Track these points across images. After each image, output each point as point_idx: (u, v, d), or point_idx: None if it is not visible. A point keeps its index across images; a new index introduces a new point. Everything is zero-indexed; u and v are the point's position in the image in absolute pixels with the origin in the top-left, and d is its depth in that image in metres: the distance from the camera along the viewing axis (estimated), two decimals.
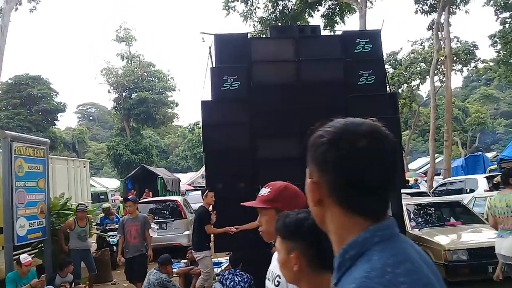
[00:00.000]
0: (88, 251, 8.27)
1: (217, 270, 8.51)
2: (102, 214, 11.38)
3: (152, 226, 8.45)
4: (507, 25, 21.67)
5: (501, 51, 23.55)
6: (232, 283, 6.04)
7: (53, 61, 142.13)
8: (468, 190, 13.01)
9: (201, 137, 7.91)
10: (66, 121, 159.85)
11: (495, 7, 21.56)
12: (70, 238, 7.94)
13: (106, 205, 12.05)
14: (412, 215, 8.39)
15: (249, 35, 8.66)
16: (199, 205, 8.96)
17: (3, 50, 17.43)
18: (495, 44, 23.64)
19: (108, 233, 10.24)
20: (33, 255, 7.37)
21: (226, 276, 6.21)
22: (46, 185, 7.73)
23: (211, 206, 6.95)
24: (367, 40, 8.01)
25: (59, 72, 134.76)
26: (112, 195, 33.15)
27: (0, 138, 6.83)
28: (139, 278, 6.98)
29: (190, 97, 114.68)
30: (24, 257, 6.48)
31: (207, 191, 6.82)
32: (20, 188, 6.97)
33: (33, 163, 7.42)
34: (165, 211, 11.97)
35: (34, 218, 7.28)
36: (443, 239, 7.12)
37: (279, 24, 19.38)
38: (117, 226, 9.13)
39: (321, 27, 13.14)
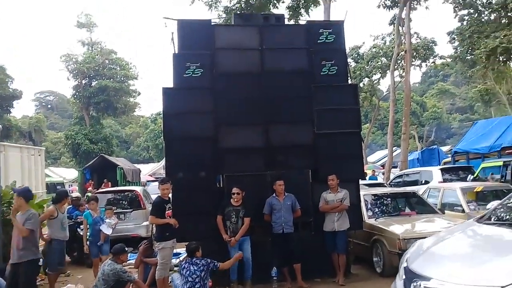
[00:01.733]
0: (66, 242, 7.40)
1: (175, 260, 8.41)
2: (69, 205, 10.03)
3: (108, 221, 7.85)
4: (465, 22, 22.33)
5: (458, 48, 24.28)
6: (188, 272, 6.00)
7: (10, 46, 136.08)
8: (423, 182, 13.42)
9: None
10: (23, 109, 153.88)
11: (454, 4, 22.17)
12: (50, 227, 7.18)
13: (75, 194, 10.92)
14: (369, 205, 8.56)
15: (213, 22, 8.51)
16: None
17: None
18: (453, 41, 24.36)
19: (81, 226, 8.93)
20: None
21: (183, 266, 6.16)
22: None
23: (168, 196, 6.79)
24: (331, 30, 8.06)
25: (16, 58, 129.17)
26: (69, 185, 32.23)
27: None
28: None
29: (152, 87, 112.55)
30: None
31: (160, 183, 6.76)
32: None
33: None
34: (124, 202, 11.65)
35: None
36: (398, 228, 7.29)
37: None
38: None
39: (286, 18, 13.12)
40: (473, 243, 3.99)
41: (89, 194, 15.90)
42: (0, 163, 7.65)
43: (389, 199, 9.15)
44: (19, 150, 12.35)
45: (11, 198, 8.03)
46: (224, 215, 6.94)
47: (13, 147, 12.88)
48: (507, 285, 2.78)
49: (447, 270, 3.33)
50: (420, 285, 3.30)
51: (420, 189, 11.07)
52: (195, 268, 6.01)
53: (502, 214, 4.36)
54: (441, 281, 3.13)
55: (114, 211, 9.53)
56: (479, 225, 4.23)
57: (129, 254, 7.36)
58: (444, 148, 30.88)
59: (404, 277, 3.74)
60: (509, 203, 4.62)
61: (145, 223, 10.95)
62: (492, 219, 4.26)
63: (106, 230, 7.71)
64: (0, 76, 41.87)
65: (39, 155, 13.33)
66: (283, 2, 20.64)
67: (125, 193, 12.08)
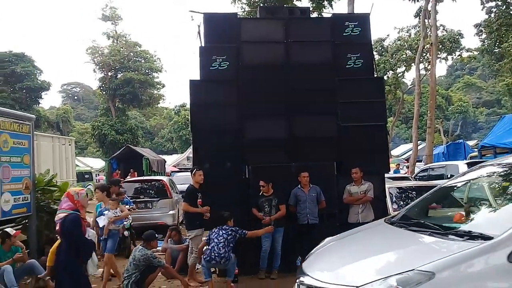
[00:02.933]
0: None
1: None
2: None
3: (106, 213, 6.94)
4: (492, 15, 21.91)
5: (485, 41, 23.86)
6: (215, 235, 6.32)
7: (38, 39, 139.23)
8: (449, 176, 13.27)
9: (188, 119, 7.92)
10: (50, 100, 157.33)
11: None
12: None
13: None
14: (394, 198, 8.57)
15: (239, 15, 8.62)
16: (184, 186, 8.87)
17: None
18: (480, 33, 23.93)
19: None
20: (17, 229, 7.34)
21: (213, 231, 6.45)
22: (31, 161, 7.68)
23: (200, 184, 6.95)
24: (356, 23, 8.07)
25: (44, 50, 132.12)
26: (96, 175, 33.00)
27: None
28: None
29: (176, 79, 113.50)
30: (11, 230, 6.50)
31: (196, 169, 6.85)
32: (5, 163, 6.91)
33: (18, 138, 7.34)
34: (151, 191, 11.98)
35: (19, 194, 7.23)
36: None
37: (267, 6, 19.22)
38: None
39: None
40: (362, 243, 3.93)
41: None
42: (34, 152, 7.90)
43: (414, 192, 9.12)
44: (51, 140, 12.76)
45: (45, 185, 8.37)
46: (258, 207, 7.10)
47: (45, 136, 13.31)
48: (362, 285, 2.79)
49: (322, 268, 3.40)
50: (299, 282, 3.39)
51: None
52: (223, 232, 6.31)
53: (409, 214, 4.23)
54: (312, 279, 3.17)
55: (141, 200, 9.73)
56: (383, 224, 4.14)
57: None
58: (470, 143, 30.30)
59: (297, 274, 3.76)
60: (420, 203, 4.50)
61: (171, 211, 11.23)
62: (399, 219, 4.12)
63: (102, 222, 6.88)
64: (29, 68, 42.97)
65: (70, 144, 13.74)
66: None
67: (152, 183, 12.38)
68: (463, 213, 3.86)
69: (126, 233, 8.08)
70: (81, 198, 4.88)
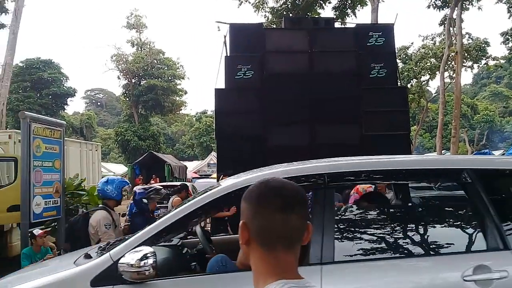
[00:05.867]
0: None
1: None
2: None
3: None
4: None
5: None
6: None
7: (63, 45, 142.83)
8: None
9: (209, 126, 8.19)
10: (74, 106, 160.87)
11: (508, 4, 21.47)
12: None
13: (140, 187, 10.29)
14: None
15: (263, 26, 8.79)
16: None
17: (17, 34, 17.58)
18: (507, 42, 23.56)
19: None
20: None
21: None
22: (62, 165, 7.94)
23: None
24: (380, 33, 8.14)
25: (68, 57, 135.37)
26: None
27: (20, 119, 7.04)
28: None
29: (198, 86, 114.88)
30: (36, 231, 6.73)
31: (223, 175, 6.97)
32: (38, 167, 7.17)
33: (50, 144, 7.62)
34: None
35: (50, 197, 7.49)
36: None
37: (290, 15, 19.39)
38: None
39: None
40: None
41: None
42: (64, 157, 8.18)
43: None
44: (78, 145, 13.11)
45: (74, 189, 8.64)
46: None
47: (73, 142, 13.68)
48: None
49: None
50: None
51: None
52: None
53: None
54: None
55: (166, 204, 9.90)
56: None
57: None
58: (496, 153, 29.72)
59: None
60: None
61: None
62: None
63: None
64: (56, 75, 44.10)
65: (96, 150, 14.07)
66: (329, 2, 20.61)
67: (175, 188, 12.51)
68: None
69: None
70: None
